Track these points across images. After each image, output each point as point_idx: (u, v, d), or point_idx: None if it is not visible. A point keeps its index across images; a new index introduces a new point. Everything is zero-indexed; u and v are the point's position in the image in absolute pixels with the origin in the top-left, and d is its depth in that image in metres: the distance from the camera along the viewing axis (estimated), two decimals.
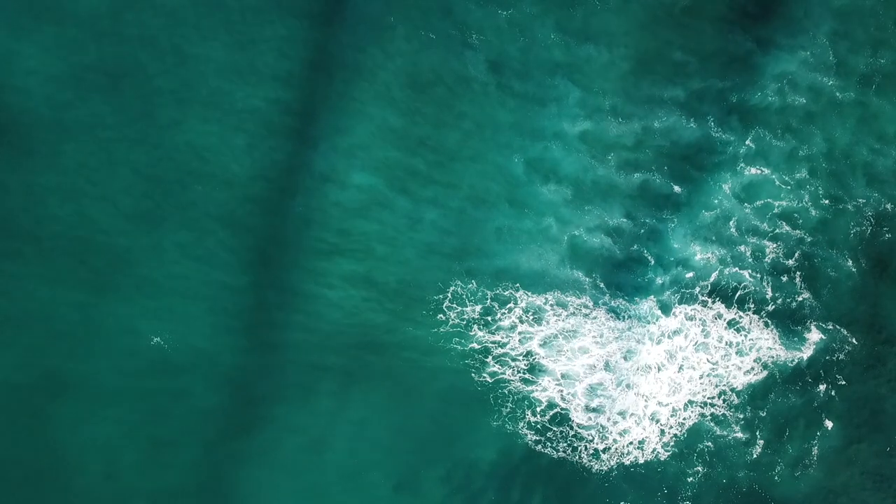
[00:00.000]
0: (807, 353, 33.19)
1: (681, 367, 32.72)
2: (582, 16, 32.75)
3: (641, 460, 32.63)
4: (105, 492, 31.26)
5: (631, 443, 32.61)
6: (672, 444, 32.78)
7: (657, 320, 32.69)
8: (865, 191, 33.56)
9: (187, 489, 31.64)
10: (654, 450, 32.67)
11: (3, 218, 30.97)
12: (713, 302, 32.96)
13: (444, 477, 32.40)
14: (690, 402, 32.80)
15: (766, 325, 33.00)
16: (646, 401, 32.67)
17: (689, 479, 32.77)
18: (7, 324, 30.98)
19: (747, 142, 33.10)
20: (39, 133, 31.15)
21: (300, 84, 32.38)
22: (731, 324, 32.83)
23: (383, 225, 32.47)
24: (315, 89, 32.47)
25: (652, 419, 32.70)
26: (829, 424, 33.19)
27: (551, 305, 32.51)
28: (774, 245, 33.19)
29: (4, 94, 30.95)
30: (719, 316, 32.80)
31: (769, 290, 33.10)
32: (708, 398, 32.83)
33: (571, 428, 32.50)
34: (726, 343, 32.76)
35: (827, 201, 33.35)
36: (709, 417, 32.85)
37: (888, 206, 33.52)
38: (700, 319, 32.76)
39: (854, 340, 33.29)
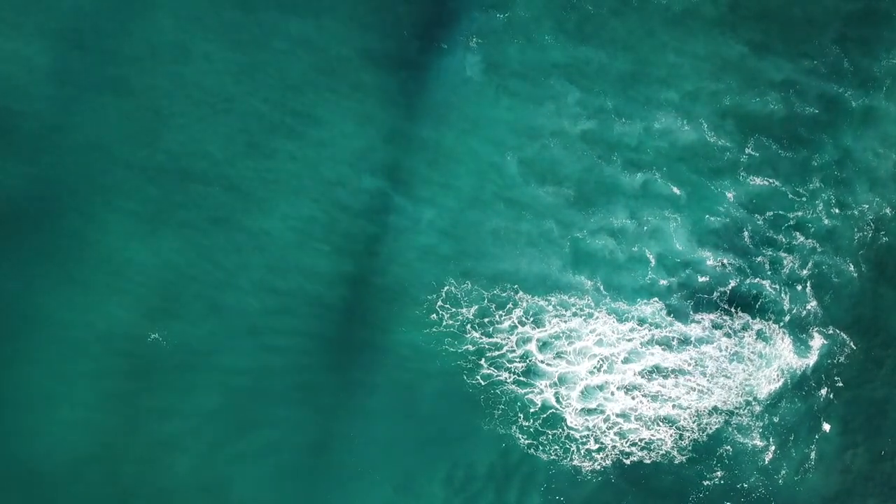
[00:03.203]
0: (812, 359, 32.97)
1: (711, 376, 32.55)
2: (576, 19, 32.99)
3: (648, 461, 32.40)
4: (105, 493, 31.46)
5: (634, 444, 32.43)
6: (690, 447, 32.53)
7: (671, 325, 32.55)
8: (868, 195, 33.35)
9: (187, 490, 31.64)
10: (668, 452, 32.44)
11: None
12: (737, 311, 32.80)
13: (444, 478, 32.24)
14: (716, 408, 32.62)
15: (784, 333, 32.81)
16: (659, 404, 32.49)
17: (705, 483, 32.49)
18: (5, 323, 31.49)
19: (747, 149, 32.97)
20: (39, 132, 31.74)
21: (303, 86, 32.74)
22: (759, 334, 32.67)
23: (384, 227, 32.65)
24: (318, 91, 32.82)
25: (666, 422, 32.49)
26: (827, 428, 32.90)
27: (554, 306, 32.45)
28: (791, 256, 33.02)
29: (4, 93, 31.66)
30: (747, 326, 32.65)
31: (787, 299, 32.91)
32: (735, 406, 32.66)
33: (564, 429, 32.34)
34: (758, 354, 32.62)
35: (837, 210, 33.20)
36: (733, 425, 32.62)
37: (887, 210, 33.27)
38: (730, 329, 32.61)
39: (853, 344, 33.02)
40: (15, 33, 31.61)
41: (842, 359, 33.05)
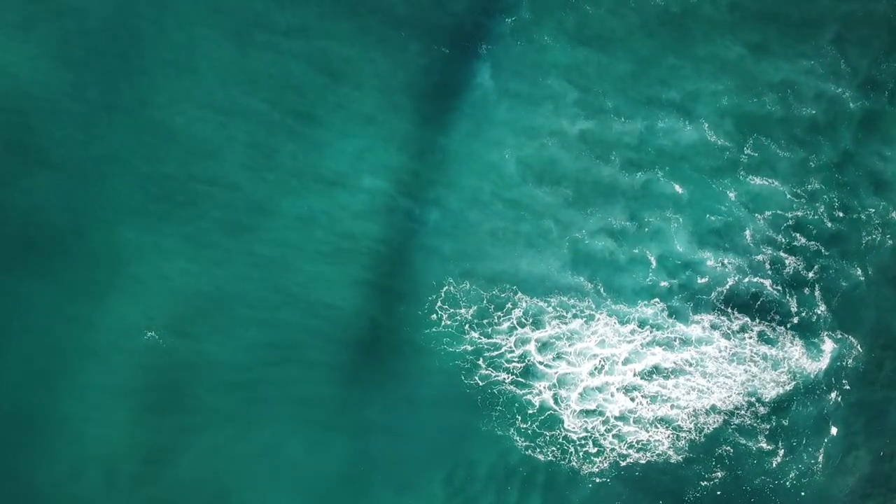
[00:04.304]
0: (824, 362, 32.78)
1: (711, 376, 32.40)
2: (575, 20, 33.01)
3: (643, 461, 32.25)
4: (103, 495, 31.69)
5: (631, 445, 32.28)
6: (686, 448, 32.37)
7: (672, 326, 32.41)
8: (874, 199, 33.11)
9: (188, 491, 31.87)
10: (664, 452, 32.29)
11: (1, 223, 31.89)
12: (735, 312, 32.63)
13: (444, 478, 32.29)
14: (714, 408, 32.44)
15: (793, 336, 32.60)
16: (658, 405, 32.34)
17: (703, 483, 32.33)
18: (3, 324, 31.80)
19: (747, 150, 32.83)
20: (40, 135, 32.12)
21: (303, 87, 32.92)
22: (761, 336, 32.51)
23: (386, 227, 32.76)
24: (320, 93, 32.99)
25: (664, 423, 32.34)
26: (834, 431, 32.70)
27: (554, 307, 32.39)
28: (794, 258, 32.83)
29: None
30: (746, 328, 32.47)
31: (793, 302, 32.71)
32: (735, 407, 32.47)
33: (562, 431, 32.25)
34: (762, 356, 32.45)
35: (841, 213, 32.98)
36: (734, 426, 32.46)
37: (894, 213, 33.05)
38: (729, 329, 32.45)
39: (860, 347, 32.77)
40: (27, 53, 32.14)
41: (850, 361, 32.86)
